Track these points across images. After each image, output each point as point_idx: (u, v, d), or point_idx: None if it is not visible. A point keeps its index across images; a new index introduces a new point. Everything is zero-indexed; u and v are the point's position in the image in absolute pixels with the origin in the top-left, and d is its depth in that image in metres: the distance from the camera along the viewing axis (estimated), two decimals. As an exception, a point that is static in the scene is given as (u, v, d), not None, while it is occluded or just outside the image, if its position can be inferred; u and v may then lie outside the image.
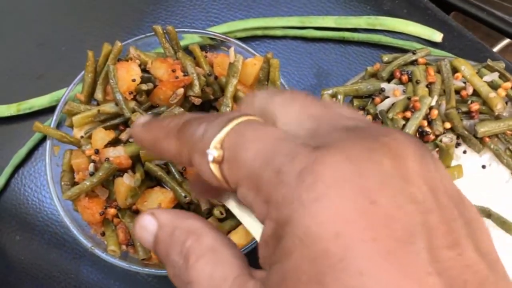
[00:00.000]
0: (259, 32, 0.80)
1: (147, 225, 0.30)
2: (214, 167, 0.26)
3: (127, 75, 0.63)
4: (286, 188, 0.23)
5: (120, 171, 0.61)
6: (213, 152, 0.26)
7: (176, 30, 0.68)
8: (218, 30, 0.79)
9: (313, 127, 0.26)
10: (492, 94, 0.59)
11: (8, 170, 0.75)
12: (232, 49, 0.65)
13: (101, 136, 0.62)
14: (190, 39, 0.73)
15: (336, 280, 0.21)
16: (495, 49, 1.04)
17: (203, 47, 0.70)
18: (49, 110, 0.77)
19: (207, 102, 0.67)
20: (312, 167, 0.22)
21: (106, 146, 0.62)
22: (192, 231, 0.29)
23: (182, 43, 0.70)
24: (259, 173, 0.24)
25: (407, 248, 0.21)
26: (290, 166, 0.23)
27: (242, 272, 0.26)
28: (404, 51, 0.77)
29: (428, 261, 0.21)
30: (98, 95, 0.64)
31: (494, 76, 0.62)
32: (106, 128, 0.63)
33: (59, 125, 0.67)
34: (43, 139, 0.76)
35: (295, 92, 0.28)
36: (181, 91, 0.63)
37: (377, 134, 0.24)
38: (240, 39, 0.79)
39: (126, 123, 0.63)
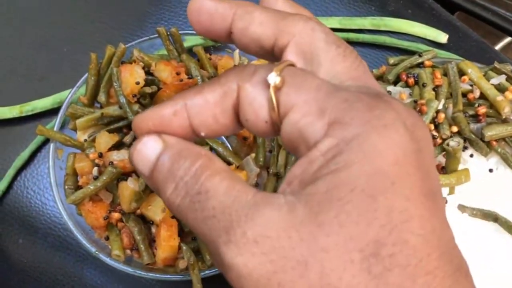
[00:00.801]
0: (263, 33, 0.80)
1: (151, 145, 0.30)
2: (272, 92, 0.28)
3: (131, 78, 0.63)
4: (356, 113, 0.26)
5: (124, 175, 0.60)
6: (275, 77, 0.28)
7: (180, 32, 0.67)
8: (221, 31, 0.78)
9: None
10: (500, 97, 0.58)
11: (10, 172, 0.74)
12: (236, 51, 0.64)
13: (105, 139, 0.61)
14: (193, 40, 0.72)
15: (386, 199, 0.24)
16: (498, 47, 1.03)
17: (207, 49, 0.69)
18: (51, 112, 0.76)
19: (212, 105, 0.66)
20: (378, 103, 0.26)
21: (110, 149, 0.61)
22: (203, 154, 0.29)
23: (185, 44, 0.70)
24: (326, 99, 0.27)
25: (436, 200, 0.26)
26: (357, 99, 0.27)
27: (255, 192, 0.27)
28: (409, 52, 0.77)
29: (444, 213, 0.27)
30: (102, 98, 0.64)
31: (501, 79, 0.61)
32: (109, 131, 0.62)
33: (62, 127, 0.66)
34: (46, 141, 0.75)
35: (348, 49, 0.30)
36: (185, 94, 0.62)
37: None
38: (243, 40, 0.79)
39: (130, 126, 0.63)
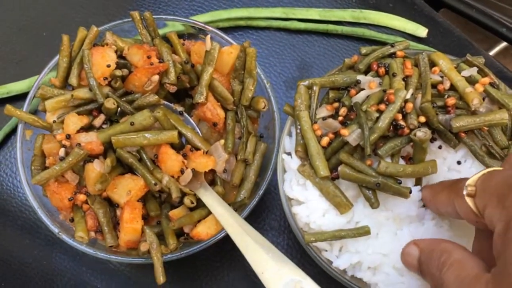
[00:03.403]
0: (242, 23, 0.79)
1: (411, 252, 0.47)
2: (468, 200, 0.44)
3: (102, 61, 0.63)
4: None
5: (91, 157, 0.60)
6: (468, 188, 0.44)
7: (154, 16, 0.67)
8: (200, 19, 0.78)
9: None
10: (469, 89, 0.58)
11: (-17, 154, 0.74)
12: (208, 36, 0.64)
13: (74, 120, 0.61)
14: (172, 27, 0.72)
15: None
16: (494, 51, 1.02)
17: (181, 35, 0.69)
18: (27, 95, 0.76)
19: (183, 90, 0.66)
20: None
21: (78, 131, 0.61)
22: (445, 250, 0.44)
23: (164, 30, 0.70)
24: (506, 193, 0.40)
25: None
26: None
27: (480, 271, 0.40)
28: (387, 45, 0.76)
29: None
30: (73, 80, 0.63)
31: (473, 71, 0.60)
32: (79, 113, 0.62)
33: (36, 111, 0.66)
34: (20, 124, 0.75)
35: None
36: (156, 78, 0.62)
37: None
38: (222, 29, 0.78)
39: (100, 109, 0.62)
